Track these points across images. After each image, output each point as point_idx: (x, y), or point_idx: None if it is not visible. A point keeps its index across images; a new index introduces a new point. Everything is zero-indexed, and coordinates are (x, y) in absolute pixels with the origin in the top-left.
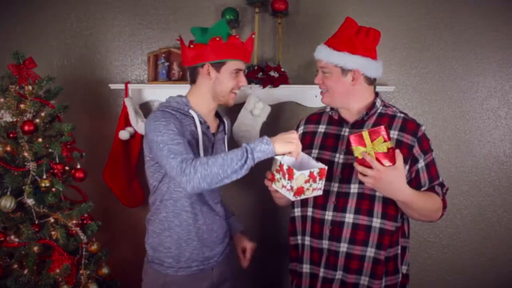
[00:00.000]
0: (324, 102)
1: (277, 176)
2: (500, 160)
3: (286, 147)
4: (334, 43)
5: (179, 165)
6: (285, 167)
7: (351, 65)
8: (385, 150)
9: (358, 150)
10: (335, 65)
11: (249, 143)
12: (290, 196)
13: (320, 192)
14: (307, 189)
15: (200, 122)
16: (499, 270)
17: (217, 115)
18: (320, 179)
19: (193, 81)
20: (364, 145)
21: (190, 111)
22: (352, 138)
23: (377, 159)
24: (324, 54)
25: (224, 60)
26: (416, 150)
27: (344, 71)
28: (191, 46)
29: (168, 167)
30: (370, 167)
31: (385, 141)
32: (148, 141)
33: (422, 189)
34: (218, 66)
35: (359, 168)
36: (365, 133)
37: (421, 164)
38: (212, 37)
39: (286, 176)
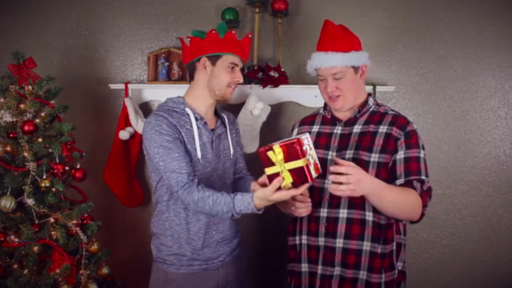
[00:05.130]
0: (337, 107)
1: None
2: (500, 160)
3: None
4: (338, 47)
5: (175, 188)
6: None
7: (361, 61)
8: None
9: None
10: (348, 66)
11: (236, 204)
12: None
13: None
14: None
15: (196, 118)
16: (499, 270)
17: (216, 113)
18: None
19: (191, 78)
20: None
21: (186, 108)
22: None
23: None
24: (338, 60)
25: (219, 54)
26: (401, 143)
27: (356, 69)
28: (188, 39)
29: (166, 181)
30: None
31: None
32: (145, 146)
33: (397, 180)
34: (213, 59)
35: (332, 177)
36: (266, 171)
37: (400, 155)
38: (209, 31)
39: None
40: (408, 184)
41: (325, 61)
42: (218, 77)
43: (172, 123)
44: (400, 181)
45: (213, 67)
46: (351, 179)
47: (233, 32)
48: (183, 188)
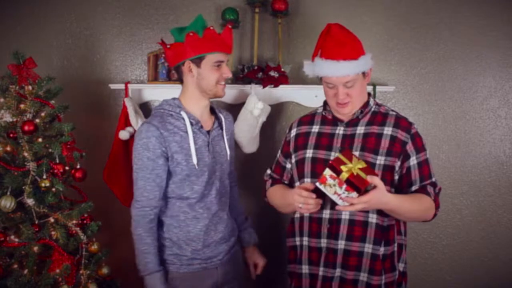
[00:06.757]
0: (345, 112)
1: (331, 181)
2: (500, 160)
3: None
4: (348, 54)
5: (133, 202)
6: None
7: (368, 66)
8: (364, 165)
9: (346, 168)
10: (359, 73)
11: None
12: (340, 202)
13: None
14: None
15: (192, 123)
16: (499, 270)
17: (213, 111)
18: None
19: (181, 81)
20: (345, 164)
21: (181, 112)
22: (334, 163)
23: (362, 179)
24: (351, 69)
25: (202, 55)
26: (409, 147)
27: (364, 74)
28: (168, 46)
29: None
30: (359, 187)
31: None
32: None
33: (413, 186)
34: (197, 61)
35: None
36: (340, 155)
37: (413, 161)
38: (187, 33)
39: (344, 187)
40: (422, 189)
41: (337, 70)
42: (206, 78)
43: (162, 135)
44: (415, 187)
45: (199, 69)
46: (363, 205)
47: (211, 28)
48: (136, 224)
